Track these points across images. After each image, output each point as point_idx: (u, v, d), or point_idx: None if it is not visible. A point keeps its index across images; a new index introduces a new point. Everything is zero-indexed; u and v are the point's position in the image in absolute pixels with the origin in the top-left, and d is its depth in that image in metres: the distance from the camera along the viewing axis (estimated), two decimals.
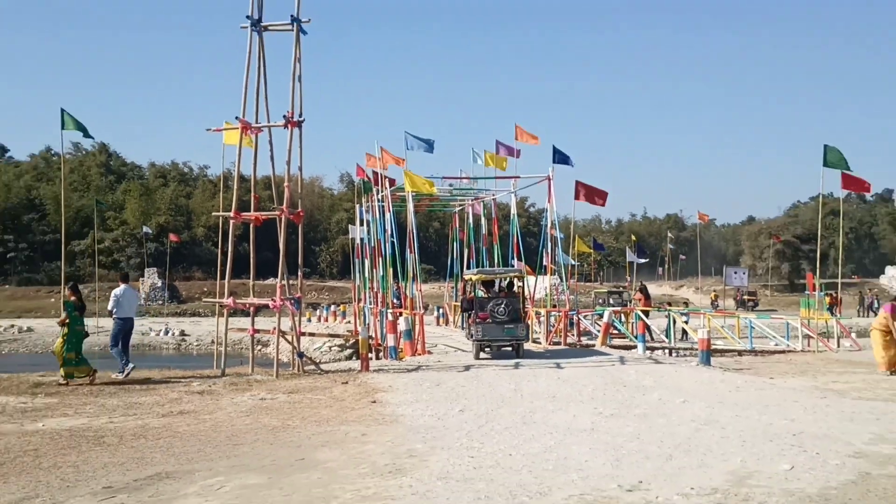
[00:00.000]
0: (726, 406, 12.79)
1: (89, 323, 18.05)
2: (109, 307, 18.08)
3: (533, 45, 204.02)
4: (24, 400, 14.38)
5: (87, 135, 21.74)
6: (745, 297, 68.91)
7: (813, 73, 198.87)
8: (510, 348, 21.91)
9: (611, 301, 42.33)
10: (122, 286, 18.28)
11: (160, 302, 74.09)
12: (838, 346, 27.61)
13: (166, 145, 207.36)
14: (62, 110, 20.20)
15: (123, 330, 17.91)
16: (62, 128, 20.38)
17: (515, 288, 23.67)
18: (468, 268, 36.26)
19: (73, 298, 17.53)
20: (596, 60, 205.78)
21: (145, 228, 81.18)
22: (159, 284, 76.59)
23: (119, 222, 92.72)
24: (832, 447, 9.38)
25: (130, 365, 17.60)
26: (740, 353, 26.87)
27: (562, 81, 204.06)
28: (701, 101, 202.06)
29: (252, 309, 19.02)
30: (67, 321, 17.07)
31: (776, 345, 28.46)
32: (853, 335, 30.53)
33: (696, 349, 22.79)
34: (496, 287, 24.21)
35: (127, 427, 11.46)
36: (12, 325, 54.91)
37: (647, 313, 28.54)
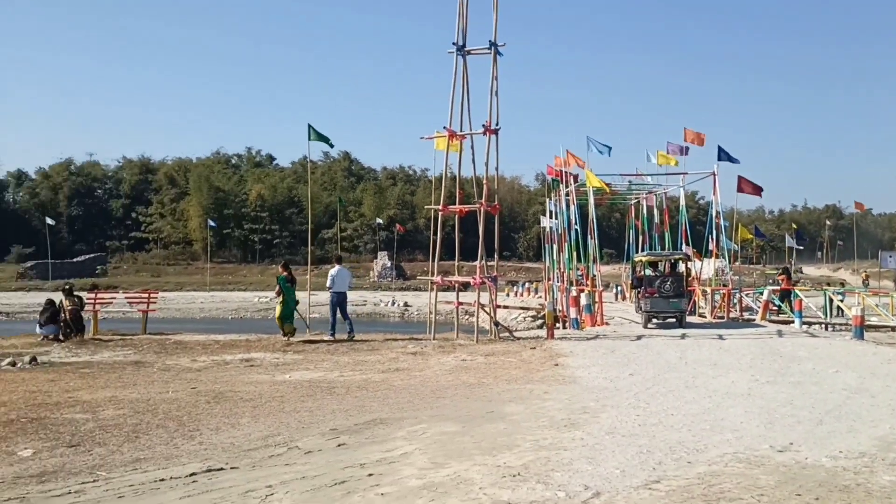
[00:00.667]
0: (877, 377, 11.71)
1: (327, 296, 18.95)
2: (327, 284, 18.84)
3: (703, 51, 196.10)
4: (277, 356, 15.05)
5: (329, 144, 22.46)
6: None
7: None
8: (674, 319, 21.83)
9: (779, 281, 40.84)
10: (337, 267, 19.06)
11: (389, 279, 76.21)
12: None
13: (395, 152, 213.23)
14: (308, 125, 20.94)
15: (338, 302, 18.62)
16: (309, 139, 21.12)
17: (679, 268, 23.28)
18: (642, 251, 35.50)
19: (284, 274, 18.64)
20: (761, 65, 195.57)
21: (378, 220, 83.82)
22: (388, 265, 78.80)
23: (358, 215, 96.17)
24: None
25: (342, 334, 18.41)
26: (894, 329, 24.75)
27: (730, 83, 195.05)
28: (858, 97, 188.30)
29: (457, 285, 19.17)
30: (282, 292, 18.16)
31: None
32: None
33: (851, 325, 21.26)
34: (661, 267, 23.90)
35: (353, 380, 11.73)
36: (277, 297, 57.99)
37: (788, 293, 26.72)
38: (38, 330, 18.69)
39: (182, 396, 10.28)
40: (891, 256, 69.16)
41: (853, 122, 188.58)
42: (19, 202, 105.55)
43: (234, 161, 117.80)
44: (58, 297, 19.53)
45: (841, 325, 25.47)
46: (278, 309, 18.67)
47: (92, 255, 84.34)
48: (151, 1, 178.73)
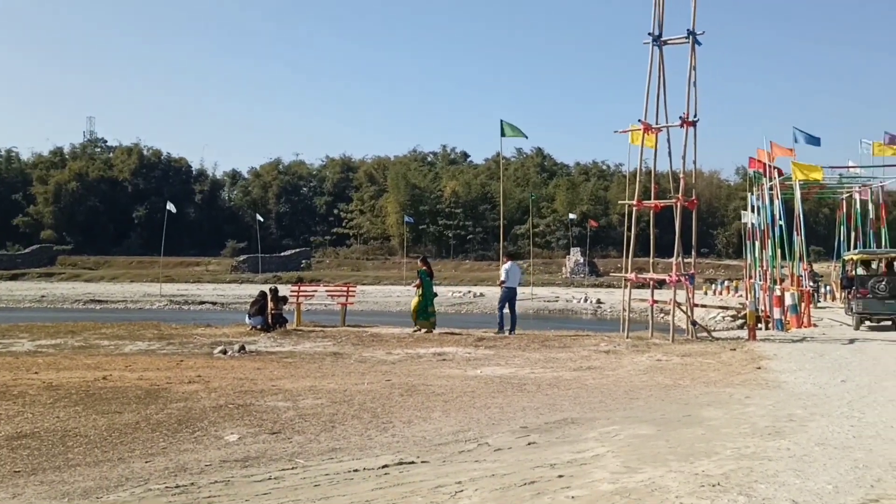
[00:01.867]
0: None
1: (527, 290, 19.07)
2: (501, 279, 18.88)
3: None
4: (469, 350, 15.20)
5: (523, 135, 22.47)
6: None
7: None
8: (890, 322, 20.12)
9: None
10: (509, 262, 19.12)
11: (581, 276, 75.48)
12: None
13: (588, 146, 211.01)
14: (501, 121, 21.07)
15: (509, 297, 18.61)
16: (502, 135, 21.24)
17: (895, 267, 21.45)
18: (853, 249, 33.07)
19: (424, 268, 18.85)
20: None
21: (571, 215, 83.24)
22: (581, 261, 78.08)
23: (550, 210, 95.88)
24: None
25: (508, 330, 18.42)
26: None
27: None
28: None
29: (652, 283, 18.60)
30: (422, 285, 18.46)
31: None
32: None
33: None
34: (875, 266, 22.45)
35: (544, 377, 11.62)
36: (469, 291, 58.98)
37: None
38: (247, 320, 19.92)
39: (377, 388, 10.58)
40: None
41: None
42: (234, 200, 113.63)
43: (429, 159, 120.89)
44: (270, 288, 20.77)
45: None
46: (415, 301, 19.00)
47: (297, 250, 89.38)
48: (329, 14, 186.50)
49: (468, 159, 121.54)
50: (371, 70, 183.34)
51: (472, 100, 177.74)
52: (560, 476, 6.05)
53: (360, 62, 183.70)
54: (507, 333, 18.28)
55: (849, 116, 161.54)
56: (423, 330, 18.65)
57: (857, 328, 20.32)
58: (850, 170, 32.11)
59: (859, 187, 34.55)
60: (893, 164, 29.20)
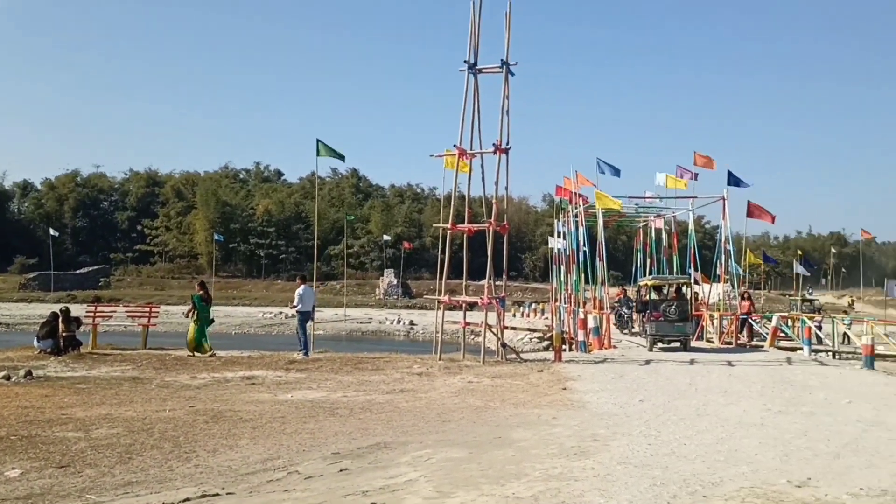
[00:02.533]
0: (892, 409, 11.42)
1: (339, 312, 18.76)
2: (294, 303, 18.83)
3: (710, 85, 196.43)
4: (280, 374, 14.81)
5: (340, 157, 22.30)
6: None
7: None
8: (678, 343, 21.77)
9: (804, 307, 41.86)
10: (303, 286, 19.02)
11: (395, 297, 75.97)
12: None
13: (404, 169, 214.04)
14: (317, 141, 20.84)
15: (306, 321, 18.58)
16: (317, 155, 21.00)
17: (684, 292, 23.31)
18: (649, 275, 35.27)
19: (200, 292, 18.45)
20: (765, 102, 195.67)
21: (385, 237, 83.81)
22: (395, 283, 78.63)
23: (365, 232, 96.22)
24: None
25: (307, 352, 18.39)
26: None
27: (737, 116, 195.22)
28: (863, 131, 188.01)
29: (464, 305, 18.92)
30: (195, 311, 18.03)
31: None
32: None
33: (859, 353, 20.97)
34: (666, 291, 23.88)
35: (357, 401, 11.48)
36: (280, 312, 57.82)
37: (744, 321, 26.50)
38: (35, 343, 18.47)
39: (179, 415, 10.04)
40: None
41: (859, 151, 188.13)
42: (24, 213, 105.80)
43: (241, 176, 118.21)
44: (61, 309, 19.32)
45: (849, 353, 25.16)
46: (192, 329, 18.38)
47: (95, 268, 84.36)
48: (166, 14, 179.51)
49: (282, 178, 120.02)
50: (181, 81, 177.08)
51: (289, 118, 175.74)
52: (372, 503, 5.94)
53: (169, 73, 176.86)
54: (307, 356, 18.07)
55: (647, 149, 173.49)
56: (201, 355, 17.98)
57: (650, 349, 21.64)
58: (647, 200, 34.19)
59: (654, 216, 36.89)
60: (684, 196, 31.31)
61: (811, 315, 31.44)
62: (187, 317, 18.75)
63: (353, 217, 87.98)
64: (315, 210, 35.09)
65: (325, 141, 21.49)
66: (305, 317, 18.89)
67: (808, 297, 53.35)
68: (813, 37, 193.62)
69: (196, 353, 18.05)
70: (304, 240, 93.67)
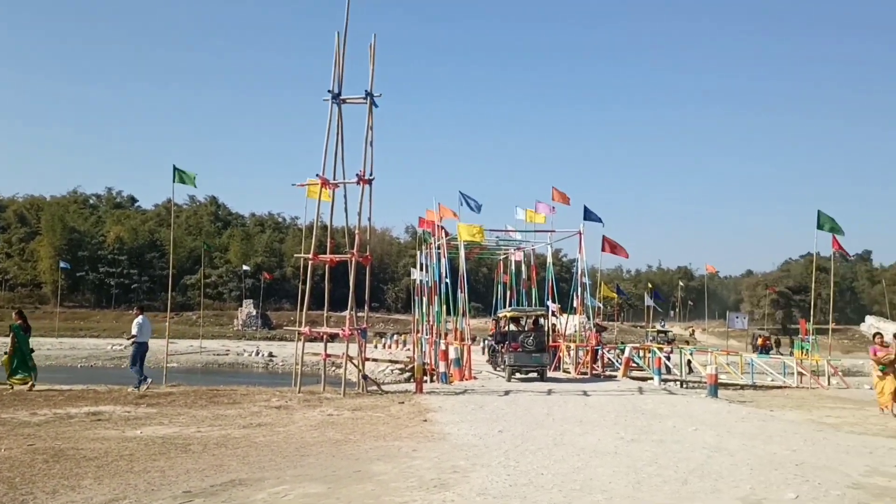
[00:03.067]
0: (734, 435, 12.03)
1: (195, 343, 18.07)
2: (132, 332, 18.31)
3: (568, 121, 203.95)
4: (129, 409, 14.07)
5: (193, 184, 21.66)
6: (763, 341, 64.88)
7: (803, 146, 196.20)
8: (536, 374, 22.36)
9: (658, 338, 44.30)
10: (141, 316, 18.55)
11: (254, 328, 74.29)
12: (829, 383, 26.47)
13: (265, 199, 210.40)
14: (174, 167, 20.21)
15: (140, 352, 18.15)
16: (173, 181, 20.36)
17: (541, 323, 23.93)
18: (509, 306, 36.00)
19: (18, 322, 17.82)
20: (619, 133, 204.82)
21: (244, 267, 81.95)
22: (254, 313, 76.97)
23: (223, 261, 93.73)
24: (832, 478, 8.64)
25: (148, 380, 17.97)
26: (743, 387, 25.85)
27: (595, 150, 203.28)
28: (712, 169, 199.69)
29: (325, 336, 18.65)
30: (15, 340, 17.32)
31: (772, 380, 27.35)
32: (840, 374, 29.23)
33: (704, 382, 22.05)
34: (524, 323, 24.57)
35: (212, 436, 11.05)
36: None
37: (597, 351, 27.80)
38: None
39: (16, 454, 9.34)
40: (737, 317, 73.33)
41: (704, 189, 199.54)
42: None
43: (92, 201, 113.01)
44: None
45: (694, 382, 26.40)
46: (5, 359, 17.58)
47: None
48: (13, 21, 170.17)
49: (136, 204, 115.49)
50: (28, 101, 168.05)
51: (144, 144, 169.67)
52: None
53: (14, 89, 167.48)
54: (142, 388, 17.41)
55: (509, 183, 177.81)
56: (26, 386, 17.03)
57: (509, 379, 22.08)
58: (507, 233, 35.00)
59: (514, 249, 37.82)
60: (543, 230, 32.26)
61: (660, 346, 32.91)
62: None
63: (210, 246, 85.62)
64: (171, 238, 33.82)
65: (184, 167, 20.86)
66: (143, 348, 18.36)
67: (661, 329, 56.39)
68: (662, 67, 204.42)
69: (12, 381, 17.07)
70: (159, 269, 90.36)
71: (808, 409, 17.29)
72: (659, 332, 51.83)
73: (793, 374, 27.56)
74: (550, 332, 30.35)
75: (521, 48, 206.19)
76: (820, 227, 25.97)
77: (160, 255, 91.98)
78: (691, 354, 30.48)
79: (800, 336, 40.78)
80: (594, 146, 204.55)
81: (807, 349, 32.12)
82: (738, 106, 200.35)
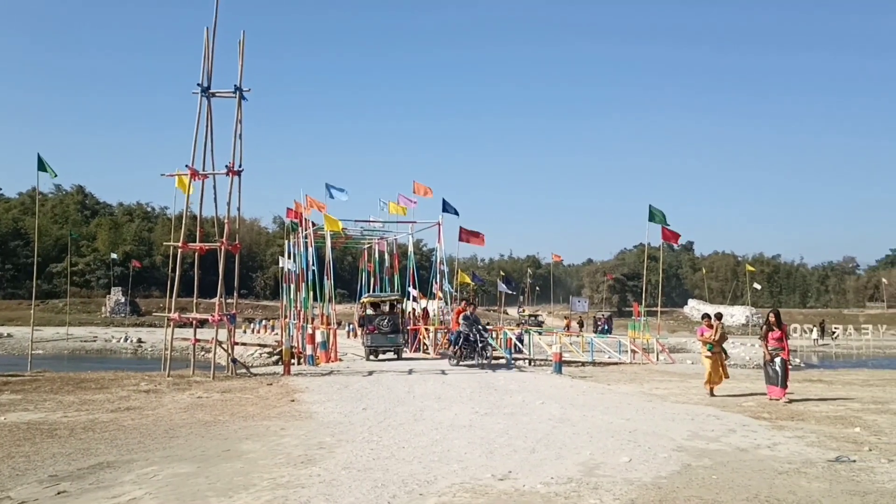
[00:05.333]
0: (576, 407, 12.49)
1: (61, 331, 17.03)
2: None
3: (431, 120, 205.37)
4: None
5: (54, 175, 20.49)
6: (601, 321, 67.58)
7: (633, 145, 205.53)
8: (392, 353, 23.58)
9: (529, 321, 46.52)
10: None
11: (122, 315, 71.06)
12: (657, 359, 27.87)
13: (134, 188, 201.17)
14: (38, 155, 19.00)
15: None
16: (38, 169, 19.15)
17: (396, 308, 25.22)
18: (372, 292, 36.06)
19: None
20: (478, 130, 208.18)
21: (113, 255, 78.11)
22: (122, 300, 73.60)
23: (91, 250, 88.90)
24: (660, 442, 9.11)
25: None
26: (584, 363, 26.83)
27: (454, 147, 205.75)
28: (556, 165, 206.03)
29: (194, 322, 18.05)
30: None
31: (609, 357, 28.52)
32: (667, 351, 30.86)
33: (550, 360, 22.75)
34: (383, 307, 25.32)
35: (79, 421, 10.48)
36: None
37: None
38: None
39: None
40: (578, 301, 76.26)
41: (551, 183, 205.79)
42: None
43: None
44: None
45: (541, 360, 27.20)
46: None
47: None
48: None
49: None
50: None
51: (8, 131, 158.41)
52: None
53: None
54: None
55: (375, 177, 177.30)
56: None
57: (367, 359, 23.06)
58: (371, 223, 34.95)
59: (378, 239, 37.82)
60: (405, 221, 32.43)
61: (531, 328, 33.78)
62: None
63: (77, 234, 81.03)
64: (36, 226, 31.81)
65: (51, 157, 19.72)
66: None
67: (532, 313, 59.09)
68: (518, 79, 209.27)
69: None
70: (24, 257, 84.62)
71: (639, 382, 18.13)
72: (530, 315, 54.34)
73: (627, 351, 28.85)
74: (412, 316, 30.63)
75: (389, 39, 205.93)
76: (651, 219, 27.28)
77: (25, 244, 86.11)
78: (540, 336, 31.43)
79: (633, 318, 42.73)
80: (454, 143, 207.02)
81: (639, 329, 33.69)
82: (572, 108, 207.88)
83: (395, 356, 23.43)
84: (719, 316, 16.37)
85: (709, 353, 15.29)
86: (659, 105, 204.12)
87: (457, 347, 20.75)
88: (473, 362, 20.52)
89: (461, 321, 21.25)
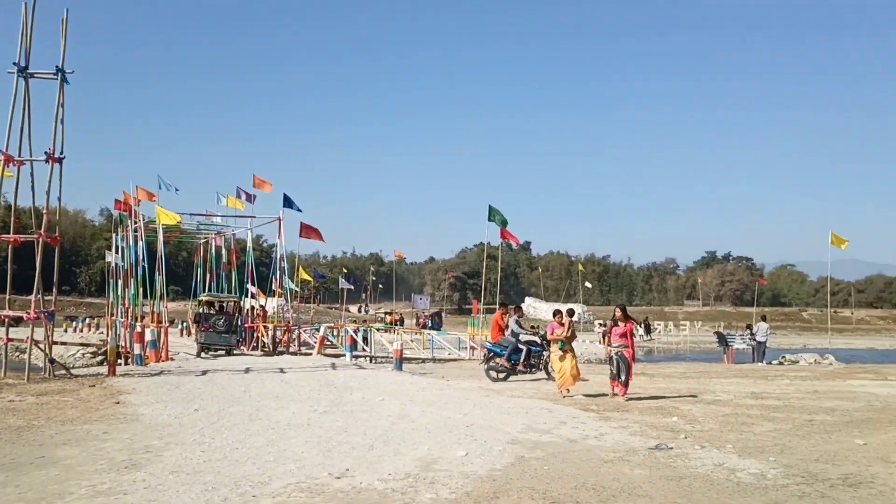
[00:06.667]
0: (415, 403, 12.57)
1: None
2: None
3: (273, 112, 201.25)
4: None
5: None
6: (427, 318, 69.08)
7: (473, 146, 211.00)
8: (224, 352, 24.01)
9: (386, 318, 49.63)
10: None
11: None
12: None
13: None
14: None
15: None
16: None
17: (231, 307, 26.12)
18: (209, 290, 34.92)
19: None
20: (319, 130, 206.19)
21: None
22: None
23: None
24: (495, 436, 9.33)
25: None
26: (424, 360, 27.14)
27: (294, 145, 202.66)
28: (402, 164, 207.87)
29: (7, 320, 16.65)
30: None
31: (450, 354, 29.03)
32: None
33: (391, 357, 22.86)
34: (218, 306, 25.96)
35: None
36: None
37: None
38: None
39: None
40: (420, 298, 77.29)
41: (394, 181, 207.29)
42: None
43: None
44: None
45: (383, 357, 27.29)
46: None
47: None
48: None
49: None
50: None
51: None
52: None
53: None
54: None
55: (213, 169, 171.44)
56: None
57: (198, 355, 23.29)
58: (208, 217, 33.79)
59: (215, 234, 36.57)
60: (244, 216, 31.67)
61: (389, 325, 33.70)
62: None
63: None
64: None
65: None
66: None
67: (388, 311, 61.05)
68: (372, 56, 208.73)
69: None
70: None
71: (478, 378, 18.48)
72: (386, 313, 55.55)
73: (466, 348, 29.46)
74: (250, 314, 29.92)
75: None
76: (491, 219, 28.04)
77: None
78: (382, 333, 31.54)
79: (472, 315, 43.70)
80: (296, 139, 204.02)
81: (478, 326, 34.48)
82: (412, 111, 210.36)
83: (226, 354, 23.91)
84: (571, 313, 15.34)
85: (560, 353, 14.36)
86: (497, 107, 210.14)
87: (509, 362, 17.56)
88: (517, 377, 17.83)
89: (512, 326, 18.13)
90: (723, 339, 33.33)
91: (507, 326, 18.33)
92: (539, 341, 17.75)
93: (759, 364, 27.05)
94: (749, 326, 33.64)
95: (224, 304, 26.39)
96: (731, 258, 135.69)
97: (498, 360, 17.50)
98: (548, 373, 17.28)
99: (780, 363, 27.91)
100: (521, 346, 17.47)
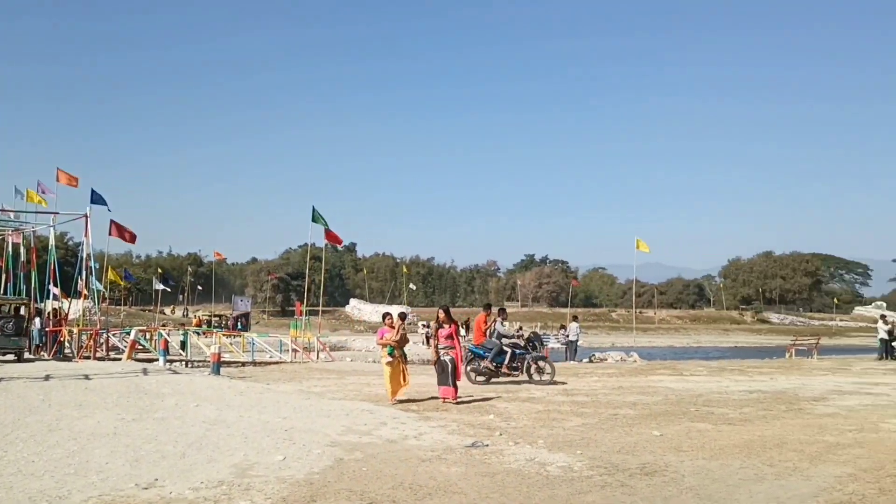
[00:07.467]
0: (232, 408, 12.23)
1: None
2: None
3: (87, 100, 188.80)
4: None
5: None
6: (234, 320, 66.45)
7: (298, 149, 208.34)
8: (14, 356, 23.39)
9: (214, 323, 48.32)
10: None
11: None
12: (318, 357, 28.38)
13: None
14: None
15: None
16: None
17: (22, 311, 25.11)
18: (5, 293, 32.23)
19: None
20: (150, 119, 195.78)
21: None
22: None
23: None
24: (315, 439, 9.27)
25: None
26: (244, 363, 26.42)
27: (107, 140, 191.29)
28: (231, 163, 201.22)
29: None
30: None
31: (271, 357, 28.45)
32: (328, 349, 31.55)
33: (209, 361, 22.10)
34: (7, 309, 24.80)
35: None
36: None
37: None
38: None
39: None
40: (241, 300, 75.38)
41: (209, 180, 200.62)
42: None
43: None
44: None
45: (200, 361, 26.32)
46: None
47: None
48: None
49: None
50: None
51: None
52: None
53: None
54: None
55: (12, 163, 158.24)
56: None
57: None
58: (4, 213, 31.19)
59: (12, 231, 33.76)
60: (46, 212, 29.52)
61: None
62: None
63: None
64: None
65: None
66: None
67: (217, 314, 59.34)
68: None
69: None
70: None
71: (299, 380, 18.27)
72: (214, 315, 55.29)
73: (288, 350, 29.00)
74: (51, 317, 27.93)
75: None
76: (314, 220, 27.80)
77: None
78: (199, 336, 30.42)
79: (295, 317, 43.13)
80: (103, 133, 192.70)
81: (300, 328, 34.06)
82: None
83: (17, 359, 23.21)
84: (403, 316, 14.52)
85: (389, 359, 13.52)
86: (326, 110, 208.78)
87: (493, 364, 17.00)
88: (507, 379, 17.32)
89: (498, 328, 17.63)
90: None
91: (490, 329, 17.86)
92: (523, 344, 17.65)
93: (571, 362, 28.55)
94: (563, 326, 35.39)
95: (14, 307, 25.06)
96: (548, 261, 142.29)
97: (481, 362, 17.16)
98: (530, 375, 17.30)
99: (591, 361, 29.61)
100: (505, 348, 17.19)
